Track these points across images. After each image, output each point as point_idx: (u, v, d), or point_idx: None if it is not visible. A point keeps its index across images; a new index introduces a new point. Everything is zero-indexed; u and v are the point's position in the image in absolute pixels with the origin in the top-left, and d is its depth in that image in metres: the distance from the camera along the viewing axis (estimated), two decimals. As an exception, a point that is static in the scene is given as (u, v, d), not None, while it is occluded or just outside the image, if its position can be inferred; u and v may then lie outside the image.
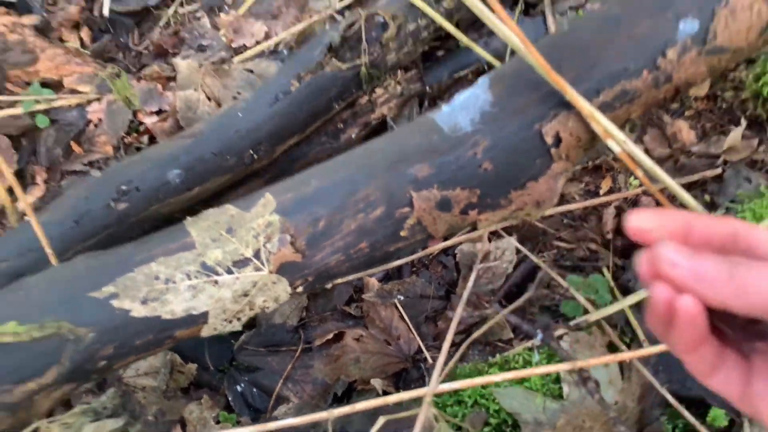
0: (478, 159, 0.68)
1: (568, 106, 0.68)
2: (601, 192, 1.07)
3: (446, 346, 0.80)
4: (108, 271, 0.71)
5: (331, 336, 0.98)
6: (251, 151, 0.97)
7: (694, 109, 1.13)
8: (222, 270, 0.71)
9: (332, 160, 0.74)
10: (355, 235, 0.71)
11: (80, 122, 1.25)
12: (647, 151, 1.11)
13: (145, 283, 0.70)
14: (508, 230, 1.05)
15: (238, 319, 0.74)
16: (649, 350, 0.74)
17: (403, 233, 0.72)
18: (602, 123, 0.68)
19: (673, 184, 0.73)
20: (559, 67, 0.66)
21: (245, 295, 0.72)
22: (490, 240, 1.03)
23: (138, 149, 1.21)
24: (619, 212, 1.04)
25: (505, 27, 0.67)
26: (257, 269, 0.71)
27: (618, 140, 0.69)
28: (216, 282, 0.71)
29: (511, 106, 0.69)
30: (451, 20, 1.08)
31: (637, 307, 0.87)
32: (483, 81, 0.72)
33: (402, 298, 1.01)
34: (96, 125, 1.24)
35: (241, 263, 0.71)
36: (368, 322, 1.01)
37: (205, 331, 0.74)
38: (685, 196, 0.73)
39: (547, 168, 0.70)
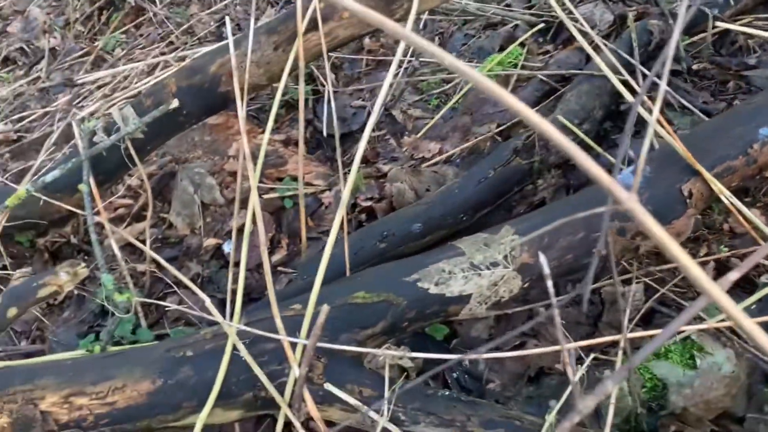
0: (644, 203, 1.15)
1: (696, 173, 1.15)
2: (701, 254, 1.50)
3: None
4: (411, 267, 1.18)
5: (517, 343, 1.39)
6: (462, 215, 1.46)
7: (764, 203, 1.58)
8: (483, 267, 1.16)
9: (548, 205, 1.22)
10: (565, 249, 1.16)
11: (314, 204, 1.77)
12: (731, 229, 1.55)
13: (436, 273, 1.16)
14: (639, 279, 1.47)
15: (486, 303, 1.18)
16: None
17: (594, 251, 1.17)
18: (717, 185, 1.14)
19: (763, 226, 1.17)
20: (689, 151, 1.14)
21: (495, 285, 1.16)
22: (624, 285, 1.45)
23: (359, 223, 1.71)
24: (717, 268, 1.46)
25: (659, 126, 1.16)
26: (505, 267, 1.16)
27: (725, 195, 1.15)
28: (480, 274, 1.16)
29: (661, 174, 1.16)
30: (589, 136, 1.59)
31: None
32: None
33: (564, 322, 1.42)
34: (326, 207, 1.76)
35: (494, 264, 1.16)
36: (540, 337, 1.42)
37: (464, 311, 1.18)
38: (771, 234, 1.17)
39: (684, 211, 1.16)
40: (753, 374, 1.20)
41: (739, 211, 1.14)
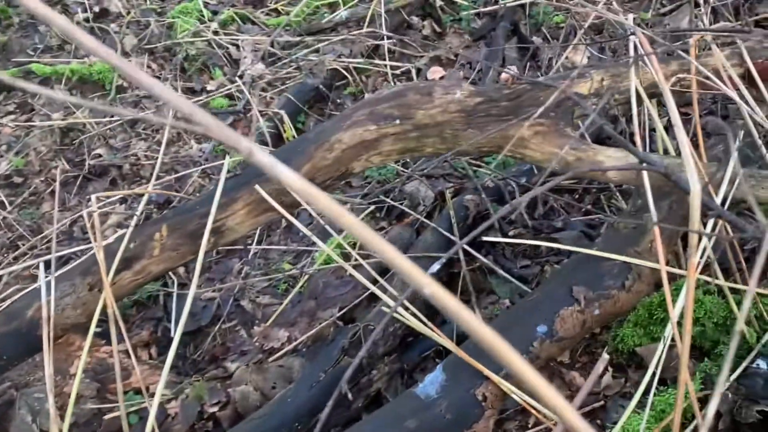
0: (442, 412, 1.23)
1: (487, 377, 1.25)
2: (530, 425, 1.59)
3: None
4: None
5: None
6: (297, 424, 1.49)
7: (581, 362, 1.71)
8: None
9: (357, 425, 1.27)
10: (378, 467, 1.21)
11: (161, 416, 1.74)
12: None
13: None
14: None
15: None
16: None
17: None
18: (506, 386, 1.24)
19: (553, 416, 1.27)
20: (477, 356, 1.25)
21: None
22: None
23: (206, 432, 1.69)
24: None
25: (444, 341, 1.27)
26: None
27: (517, 395, 1.25)
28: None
29: (456, 380, 1.26)
30: (417, 318, 1.69)
31: None
32: (439, 367, 1.29)
33: None
34: (173, 417, 1.74)
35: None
36: None
37: None
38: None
39: (482, 414, 1.24)
40: None
41: (530, 406, 1.24)
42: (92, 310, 1.43)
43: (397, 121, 1.33)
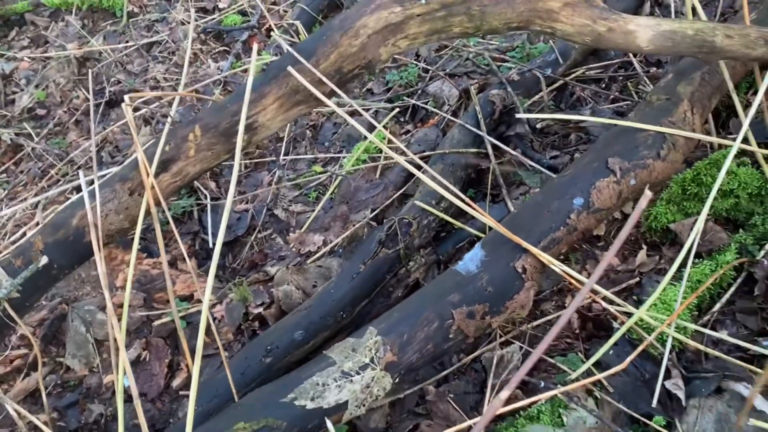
0: (484, 286, 1.26)
1: (525, 251, 1.27)
2: (567, 304, 1.63)
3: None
4: (288, 386, 1.24)
5: (410, 427, 1.46)
6: (341, 313, 1.54)
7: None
8: (353, 373, 1.24)
9: (404, 302, 1.31)
10: (424, 340, 1.25)
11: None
12: (589, 274, 1.68)
13: (311, 388, 1.22)
14: (515, 339, 1.58)
15: (364, 405, 1.25)
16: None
17: (450, 336, 1.26)
18: (545, 257, 1.27)
19: (601, 289, 1.29)
20: (515, 231, 1.26)
21: (367, 387, 1.24)
22: (502, 347, 1.56)
23: (253, 332, 1.76)
24: (581, 316, 1.59)
25: (481, 215, 1.28)
26: (372, 369, 1.24)
27: (556, 265, 1.27)
28: (351, 380, 1.23)
29: (495, 255, 1.28)
30: (448, 214, 1.71)
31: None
32: (478, 245, 1.32)
33: (452, 395, 1.51)
34: (219, 320, 1.80)
35: (363, 368, 1.24)
36: (433, 415, 1.49)
37: (345, 417, 1.25)
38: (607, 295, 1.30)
39: (522, 286, 1.27)
40: (617, 419, 1.31)
41: (568, 274, 1.27)
42: (134, 215, 1.46)
43: (423, 1, 1.30)
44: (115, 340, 1.55)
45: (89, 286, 1.92)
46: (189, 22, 2.65)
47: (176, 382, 1.71)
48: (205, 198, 2.16)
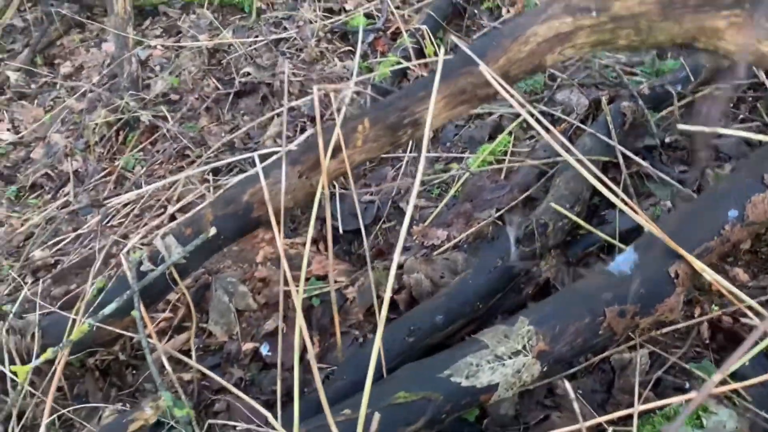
0: (637, 288, 1.32)
1: (679, 257, 1.32)
2: (696, 315, 1.67)
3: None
4: (443, 363, 1.33)
5: (541, 417, 1.53)
6: (478, 303, 1.63)
7: (744, 260, 1.75)
8: (506, 357, 1.32)
9: (553, 296, 1.39)
10: (575, 334, 1.33)
11: (340, 300, 1.93)
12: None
13: (465, 367, 1.32)
14: (642, 343, 1.63)
15: (512, 389, 1.34)
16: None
17: (600, 332, 1.33)
18: (698, 264, 1.32)
19: (747, 298, 1.34)
20: (671, 237, 1.32)
21: (518, 372, 1.32)
22: (630, 351, 1.61)
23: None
24: (711, 326, 1.63)
25: (641, 219, 1.35)
26: (525, 356, 1.32)
27: (708, 273, 1.32)
28: (504, 364, 1.32)
29: (649, 259, 1.34)
30: (580, 217, 1.78)
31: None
32: (630, 248, 1.38)
33: (581, 392, 1.57)
34: (351, 302, 1.92)
35: (515, 353, 1.32)
36: (562, 408, 1.56)
37: (494, 398, 1.33)
38: (753, 303, 1.34)
39: (673, 290, 1.33)
40: (754, 429, 1.35)
41: (719, 283, 1.32)
42: (299, 197, 1.59)
43: (594, 13, 1.37)
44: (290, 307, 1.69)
45: (230, 260, 2.07)
46: (315, 21, 2.80)
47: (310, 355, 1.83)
48: (333, 188, 2.28)
